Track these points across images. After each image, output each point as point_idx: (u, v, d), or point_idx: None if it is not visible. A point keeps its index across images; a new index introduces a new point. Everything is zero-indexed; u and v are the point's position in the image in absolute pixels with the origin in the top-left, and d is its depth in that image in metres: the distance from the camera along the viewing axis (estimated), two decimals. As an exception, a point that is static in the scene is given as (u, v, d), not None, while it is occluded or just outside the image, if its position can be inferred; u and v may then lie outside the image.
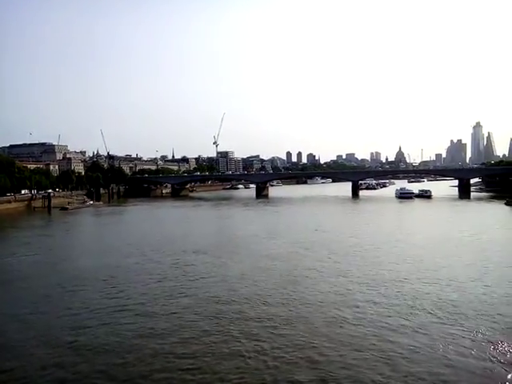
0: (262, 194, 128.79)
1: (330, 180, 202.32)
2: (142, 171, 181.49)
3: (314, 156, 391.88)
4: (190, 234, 50.94)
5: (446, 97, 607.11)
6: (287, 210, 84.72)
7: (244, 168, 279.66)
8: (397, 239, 42.36)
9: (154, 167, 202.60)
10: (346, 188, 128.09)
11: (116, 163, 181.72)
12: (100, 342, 17.96)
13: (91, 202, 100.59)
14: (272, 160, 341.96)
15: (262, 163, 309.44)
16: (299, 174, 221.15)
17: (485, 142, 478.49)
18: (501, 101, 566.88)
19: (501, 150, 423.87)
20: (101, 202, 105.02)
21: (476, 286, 24.93)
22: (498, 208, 73.94)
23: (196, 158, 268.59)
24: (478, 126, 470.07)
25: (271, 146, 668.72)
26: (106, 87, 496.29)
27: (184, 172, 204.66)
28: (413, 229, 51.77)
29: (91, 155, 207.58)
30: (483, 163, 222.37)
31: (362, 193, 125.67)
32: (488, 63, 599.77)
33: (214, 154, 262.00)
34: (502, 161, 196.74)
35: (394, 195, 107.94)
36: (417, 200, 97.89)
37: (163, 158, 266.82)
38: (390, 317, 19.95)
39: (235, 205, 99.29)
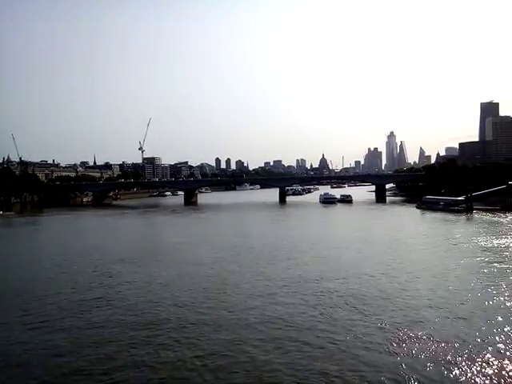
0: (190, 200, 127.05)
1: (259, 186, 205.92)
2: (60, 178, 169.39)
3: (243, 163, 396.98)
4: (114, 243, 48.68)
5: (363, 107, 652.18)
6: (216, 216, 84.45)
7: (172, 175, 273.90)
8: (320, 242, 44.44)
9: (73, 174, 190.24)
10: (273, 194, 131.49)
11: (30, 169, 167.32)
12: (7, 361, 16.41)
13: (0, 213, 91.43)
14: (201, 166, 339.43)
15: (190, 170, 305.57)
16: (228, 181, 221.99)
17: (398, 150, 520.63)
18: (411, 113, 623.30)
19: (412, 158, 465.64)
20: (12, 213, 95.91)
21: (385, 281, 27.06)
22: (410, 211, 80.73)
23: (120, 165, 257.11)
24: (391, 136, 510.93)
25: (200, 153, 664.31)
26: (17, 86, 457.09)
27: (107, 179, 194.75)
28: (335, 232, 54.78)
29: (1, 161, 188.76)
30: (396, 170, 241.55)
31: (288, 198, 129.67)
32: (399, 78, 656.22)
33: (139, 160, 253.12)
34: (412, 168, 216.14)
35: (318, 200, 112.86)
36: (339, 205, 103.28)
37: (84, 164, 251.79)
38: (302, 313, 20.89)
39: (163, 212, 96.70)
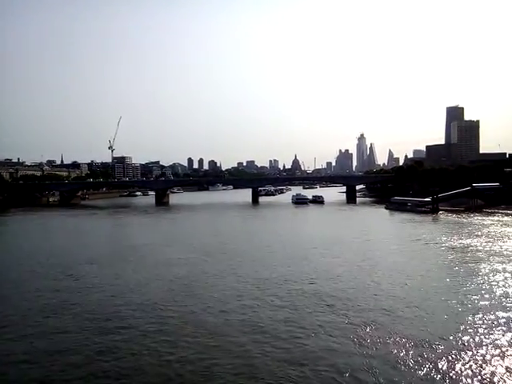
0: (162, 201, 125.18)
1: (232, 187, 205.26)
2: (25, 177, 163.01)
3: (216, 163, 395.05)
4: (82, 245, 47.24)
5: (335, 110, 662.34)
6: (188, 217, 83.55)
7: (143, 174, 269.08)
8: (291, 242, 44.95)
9: (39, 173, 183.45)
10: (246, 194, 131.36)
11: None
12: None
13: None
14: (173, 166, 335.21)
15: (162, 169, 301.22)
16: (201, 181, 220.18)
17: (368, 152, 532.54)
18: (381, 116, 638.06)
19: (381, 160, 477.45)
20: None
21: (351, 280, 27.58)
22: (379, 212, 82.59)
23: (89, 164, 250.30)
24: (362, 138, 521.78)
25: (172, 152, 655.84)
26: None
27: (75, 178, 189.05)
28: (306, 232, 55.32)
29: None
30: (366, 171, 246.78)
31: (261, 199, 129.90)
32: (369, 82, 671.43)
33: (109, 160, 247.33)
34: (381, 169, 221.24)
35: (290, 201, 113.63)
36: (311, 205, 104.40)
37: (50, 162, 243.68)
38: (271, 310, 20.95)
39: (133, 213, 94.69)
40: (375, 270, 30.65)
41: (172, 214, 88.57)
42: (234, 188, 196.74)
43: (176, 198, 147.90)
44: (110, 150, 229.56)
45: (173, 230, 61.50)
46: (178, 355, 16.90)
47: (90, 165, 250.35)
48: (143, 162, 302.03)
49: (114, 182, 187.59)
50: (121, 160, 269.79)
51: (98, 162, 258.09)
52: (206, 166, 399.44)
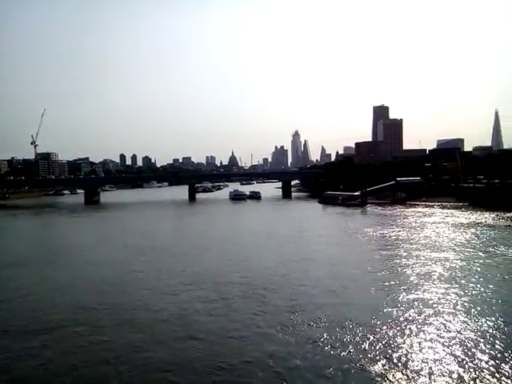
0: (92, 199, 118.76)
1: (167, 184, 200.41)
2: None
3: (151, 159, 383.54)
4: (3, 246, 44.25)
5: (270, 107, 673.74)
6: (120, 216, 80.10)
7: (70, 172, 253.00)
8: (228, 237, 45.24)
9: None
10: (183, 191, 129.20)
11: None
12: None
13: None
14: (104, 163, 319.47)
15: (91, 166, 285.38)
16: (135, 178, 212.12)
17: (302, 149, 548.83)
18: (314, 114, 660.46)
19: (314, 156, 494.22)
20: None
21: (284, 270, 28.60)
22: (313, 206, 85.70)
23: (9, 160, 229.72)
24: (296, 135, 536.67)
25: (103, 148, 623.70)
26: None
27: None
28: (243, 227, 55.87)
29: None
30: (301, 167, 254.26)
31: (198, 195, 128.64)
32: (302, 80, 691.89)
33: (32, 156, 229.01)
34: (315, 165, 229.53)
35: (228, 197, 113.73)
36: (249, 201, 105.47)
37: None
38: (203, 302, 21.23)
39: (60, 212, 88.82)
40: (305, 260, 32.19)
41: (103, 213, 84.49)
42: (170, 185, 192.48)
43: (108, 196, 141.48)
44: (33, 146, 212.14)
45: (104, 230, 58.68)
46: (107, 354, 16.31)
47: (11, 161, 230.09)
48: (71, 159, 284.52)
49: (37, 179, 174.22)
50: (45, 156, 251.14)
51: (19, 158, 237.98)
52: (139, 163, 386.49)
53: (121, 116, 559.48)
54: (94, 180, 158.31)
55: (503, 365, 14.82)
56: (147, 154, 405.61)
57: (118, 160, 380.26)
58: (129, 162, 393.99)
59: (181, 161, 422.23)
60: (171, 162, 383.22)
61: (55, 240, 49.30)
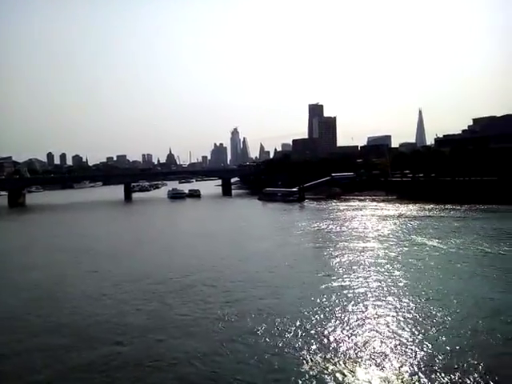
0: (17, 202, 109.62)
1: (101, 183, 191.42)
2: None
3: (81, 158, 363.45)
4: None
5: (208, 104, 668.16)
6: (48, 219, 74.81)
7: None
8: (165, 238, 44.53)
9: None
10: (118, 191, 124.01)
11: None
12: None
13: None
14: (29, 162, 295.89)
15: (15, 166, 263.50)
16: (64, 178, 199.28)
17: (241, 146, 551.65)
18: (252, 111, 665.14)
19: (254, 153, 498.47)
20: None
21: (224, 267, 29.08)
22: (253, 202, 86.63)
23: None
24: (235, 132, 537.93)
25: (27, 146, 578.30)
26: None
27: None
28: (182, 227, 54.95)
29: None
30: (240, 164, 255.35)
31: (135, 195, 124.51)
32: (240, 77, 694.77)
33: None
34: (254, 162, 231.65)
35: (166, 196, 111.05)
36: (188, 199, 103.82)
37: None
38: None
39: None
40: (243, 257, 32.90)
41: (29, 216, 78.74)
42: (104, 184, 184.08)
43: (35, 198, 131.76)
44: None
45: (29, 234, 54.37)
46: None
47: None
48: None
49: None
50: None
51: None
52: (69, 162, 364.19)
53: (45, 112, 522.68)
54: (19, 181, 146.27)
55: (424, 341, 16.29)
56: (77, 152, 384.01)
57: (45, 159, 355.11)
58: (57, 161, 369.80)
59: (115, 159, 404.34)
60: (105, 160, 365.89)
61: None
